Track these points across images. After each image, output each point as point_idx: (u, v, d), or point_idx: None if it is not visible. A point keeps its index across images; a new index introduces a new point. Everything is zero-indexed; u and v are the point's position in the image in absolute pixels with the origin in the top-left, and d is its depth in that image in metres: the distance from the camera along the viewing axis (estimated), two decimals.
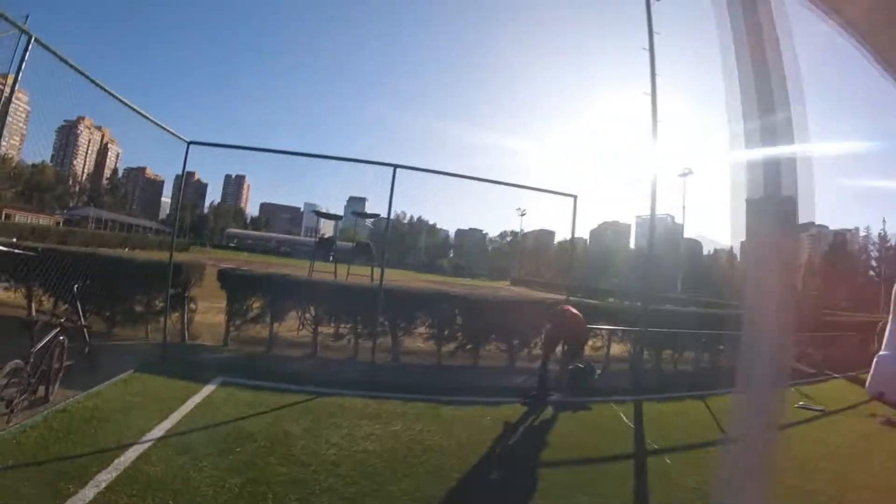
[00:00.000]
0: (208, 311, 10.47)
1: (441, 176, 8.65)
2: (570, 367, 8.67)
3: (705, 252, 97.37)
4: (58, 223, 63.46)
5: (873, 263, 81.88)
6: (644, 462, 5.92)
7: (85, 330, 6.64)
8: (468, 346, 10.33)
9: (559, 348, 8.58)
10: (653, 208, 10.84)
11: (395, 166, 8.16)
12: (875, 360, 11.98)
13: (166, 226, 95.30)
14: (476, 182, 9.11)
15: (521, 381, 9.10)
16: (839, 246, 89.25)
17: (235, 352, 8.93)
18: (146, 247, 47.26)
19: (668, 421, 7.75)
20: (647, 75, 10.76)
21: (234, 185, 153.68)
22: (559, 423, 7.14)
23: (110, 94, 6.03)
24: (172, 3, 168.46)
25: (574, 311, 8.76)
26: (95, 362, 6.58)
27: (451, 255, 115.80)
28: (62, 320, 5.72)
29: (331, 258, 14.65)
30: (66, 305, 7.59)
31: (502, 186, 9.46)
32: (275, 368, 8.08)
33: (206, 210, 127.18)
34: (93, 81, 5.59)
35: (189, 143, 7.87)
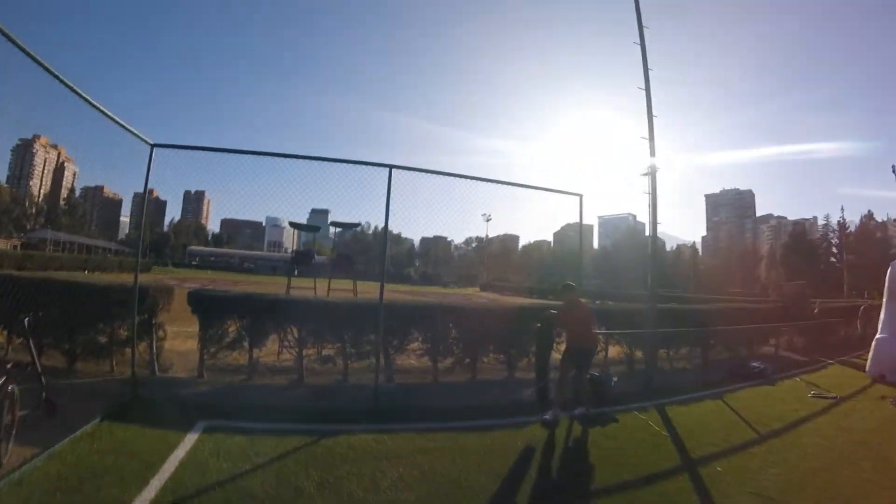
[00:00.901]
0: (177, 337, 9.54)
1: (433, 179, 7.81)
2: (587, 376, 8.16)
3: (668, 248, 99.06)
4: (14, 247, 60.89)
5: (834, 250, 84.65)
6: (697, 474, 5.43)
7: (40, 371, 5.53)
8: (466, 361, 9.61)
9: (565, 358, 7.67)
10: (653, 205, 10.24)
11: (391, 167, 7.33)
12: (874, 343, 12.76)
13: (126, 246, 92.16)
14: (475, 184, 8.27)
15: (529, 394, 8.53)
16: (799, 235, 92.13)
17: (213, 384, 7.91)
18: (106, 269, 45.27)
19: (697, 425, 7.37)
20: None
21: (193, 202, 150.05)
22: (594, 441, 6.53)
23: (63, 82, 4.99)
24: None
25: (584, 306, 8.17)
26: (55, 409, 5.46)
27: (417, 263, 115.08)
28: (8, 366, 4.66)
29: (308, 271, 13.70)
30: (21, 339, 6.69)
31: (504, 187, 8.70)
32: (262, 402, 7.10)
33: (166, 228, 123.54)
34: (40, 63, 4.56)
35: (153, 147, 6.86)
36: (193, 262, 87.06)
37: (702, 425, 7.31)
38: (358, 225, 12.32)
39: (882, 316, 13.23)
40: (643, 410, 7.95)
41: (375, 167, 7.44)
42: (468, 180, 8.16)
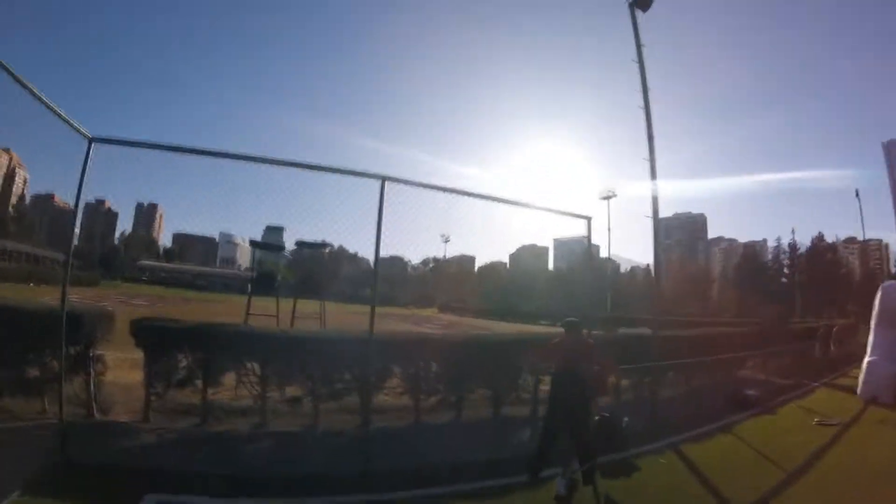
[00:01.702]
0: (121, 366, 8.11)
1: (427, 194, 6.80)
2: (596, 418, 6.93)
3: (623, 270, 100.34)
4: None
5: (785, 271, 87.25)
6: None
7: None
8: (452, 399, 8.58)
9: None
10: (655, 228, 9.50)
11: (384, 178, 6.27)
12: (865, 365, 12.87)
13: (76, 258, 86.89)
14: (471, 202, 7.28)
15: (527, 439, 7.56)
16: (751, 256, 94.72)
17: (161, 433, 6.52)
18: (53, 282, 42.17)
19: (722, 466, 6.84)
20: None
21: (146, 215, 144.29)
22: (624, 498, 5.64)
23: None
24: None
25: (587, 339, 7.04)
26: None
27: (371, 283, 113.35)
28: None
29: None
30: None
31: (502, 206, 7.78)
32: (221, 461, 5.81)
33: (116, 241, 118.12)
34: None
35: (91, 141, 5.59)
36: (144, 277, 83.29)
37: (727, 466, 6.84)
38: (327, 246, 11.03)
39: (871, 339, 13.34)
40: (659, 453, 7.33)
41: (364, 178, 6.35)
42: (466, 197, 7.19)
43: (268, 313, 10.97)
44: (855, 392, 12.94)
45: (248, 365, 7.27)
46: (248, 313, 10.49)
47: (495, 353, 9.12)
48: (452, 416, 8.49)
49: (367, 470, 5.80)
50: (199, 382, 7.10)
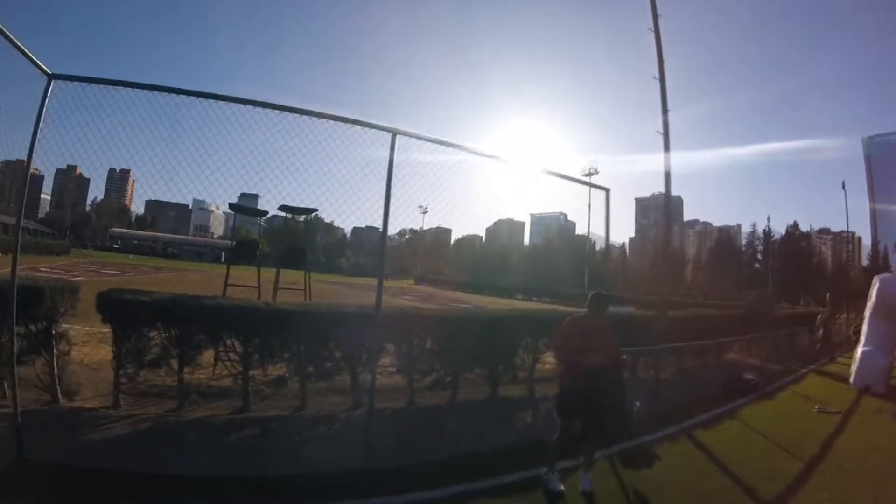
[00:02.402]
0: (89, 341, 7.45)
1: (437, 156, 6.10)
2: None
3: (598, 248, 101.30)
4: None
5: (759, 257, 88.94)
6: None
7: None
8: (447, 379, 7.99)
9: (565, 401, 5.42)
10: (667, 206, 8.97)
11: (394, 132, 5.54)
12: (859, 355, 12.99)
13: (45, 225, 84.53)
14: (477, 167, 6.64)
15: (530, 422, 7.43)
16: (725, 241, 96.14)
17: (132, 422, 5.75)
18: (22, 250, 40.24)
19: (737, 455, 6.62)
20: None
21: (118, 181, 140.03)
22: (652, 491, 5.26)
23: None
24: None
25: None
26: None
27: (348, 254, 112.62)
28: None
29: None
30: None
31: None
32: (201, 455, 5.11)
33: (88, 208, 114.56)
34: None
35: (52, 78, 4.75)
36: (115, 246, 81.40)
37: (743, 455, 6.64)
38: (314, 211, 10.13)
39: (865, 329, 13.65)
40: (672, 439, 7.16)
41: (375, 130, 5.57)
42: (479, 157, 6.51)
43: (248, 284, 10.23)
44: (845, 380, 13.12)
45: (229, 342, 6.54)
46: (226, 284, 9.68)
47: (515, 329, 8.74)
48: (448, 397, 7.95)
49: (369, 467, 5.17)
50: (174, 362, 6.35)
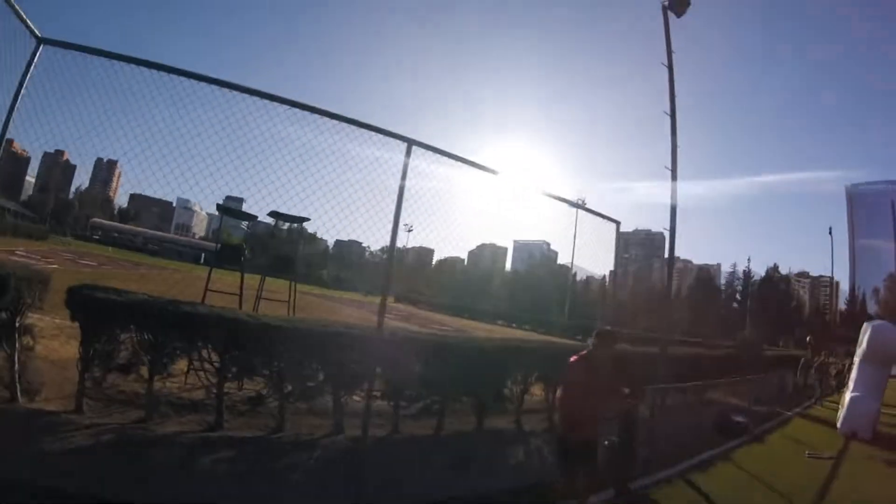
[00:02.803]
0: (59, 335, 6.98)
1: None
2: (605, 443, 5.81)
3: (578, 279, 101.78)
4: None
5: (738, 297, 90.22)
6: None
7: None
8: (435, 408, 7.54)
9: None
10: (671, 236, 8.69)
11: (411, 142, 5.18)
12: (848, 401, 13.07)
13: (27, 208, 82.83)
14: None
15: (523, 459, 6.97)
16: (705, 279, 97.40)
17: (95, 431, 5.16)
18: (1, 232, 39.10)
19: (741, 499, 6.73)
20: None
21: (104, 171, 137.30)
22: None
23: None
24: None
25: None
26: None
27: (330, 266, 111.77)
28: None
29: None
30: None
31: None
32: (168, 481, 4.61)
33: (71, 195, 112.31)
34: None
35: (41, 42, 4.32)
36: (95, 236, 79.23)
37: (745, 502, 6.66)
38: (306, 220, 9.57)
39: (854, 374, 13.68)
40: (671, 483, 6.87)
41: (389, 137, 5.23)
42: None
43: (230, 290, 9.71)
44: (830, 424, 13.23)
45: (205, 353, 6.01)
46: (206, 289, 9.12)
47: (515, 359, 8.46)
48: (434, 427, 7.46)
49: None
50: (144, 369, 5.81)
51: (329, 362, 6.36)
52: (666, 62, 9.31)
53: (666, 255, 9.48)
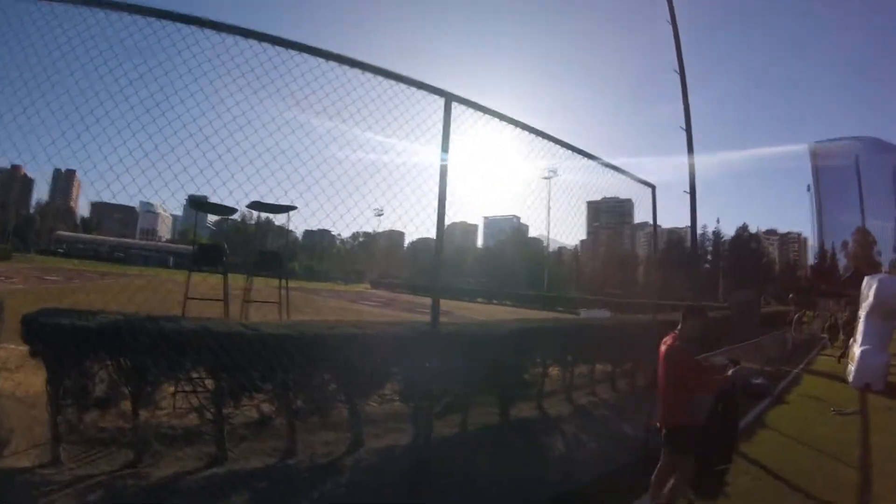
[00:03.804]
0: (23, 365, 6.00)
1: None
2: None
3: (551, 250, 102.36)
4: None
5: (709, 258, 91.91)
6: None
7: None
8: (457, 403, 6.74)
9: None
10: (692, 206, 8.07)
11: (450, 97, 4.32)
12: (858, 354, 13.28)
13: None
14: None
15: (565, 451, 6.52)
16: (675, 242, 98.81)
17: (80, 486, 4.18)
18: None
19: (792, 465, 6.48)
20: None
21: (63, 182, 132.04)
22: None
23: None
24: None
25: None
26: None
27: (301, 258, 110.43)
28: None
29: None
30: None
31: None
32: None
33: (32, 210, 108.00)
34: None
35: None
36: (60, 250, 76.94)
37: (797, 467, 6.41)
38: (293, 208, 8.46)
39: (861, 328, 13.81)
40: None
41: (424, 92, 4.29)
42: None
43: (212, 296, 8.75)
44: (838, 378, 13.70)
45: (196, 376, 5.14)
46: (186, 297, 8.14)
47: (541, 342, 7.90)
48: (459, 425, 6.74)
49: None
50: (126, 402, 4.90)
51: (343, 369, 5.53)
52: (669, 19, 8.72)
53: (688, 221, 8.91)
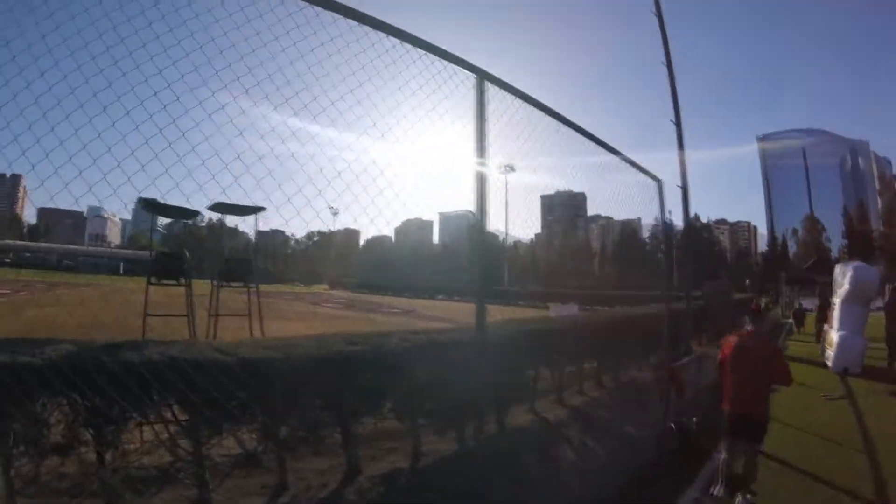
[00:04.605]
0: None
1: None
2: (671, 425, 6.69)
3: (508, 244, 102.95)
4: None
5: (662, 248, 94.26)
6: None
7: None
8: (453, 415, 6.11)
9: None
10: (685, 197, 7.93)
11: (484, 75, 3.78)
12: (837, 340, 13.53)
13: None
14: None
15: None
16: (630, 233, 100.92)
17: None
18: None
19: (801, 452, 6.65)
20: None
21: (8, 187, 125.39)
22: None
23: None
24: None
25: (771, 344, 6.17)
26: None
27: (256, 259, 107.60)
28: None
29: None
30: None
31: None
32: None
33: None
34: None
35: None
36: (7, 260, 72.92)
37: (806, 455, 6.56)
38: (261, 209, 7.65)
39: (837, 314, 14.15)
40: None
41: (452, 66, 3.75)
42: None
43: (173, 310, 7.98)
44: (817, 363, 14.23)
45: (165, 407, 4.39)
46: (146, 314, 7.32)
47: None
48: (454, 441, 6.15)
49: None
50: (83, 444, 4.10)
51: (336, 391, 4.94)
52: (654, 10, 8.44)
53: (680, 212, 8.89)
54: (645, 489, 5.53)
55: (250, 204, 6.88)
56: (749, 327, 5.51)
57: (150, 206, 7.76)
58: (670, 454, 6.43)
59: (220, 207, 7.87)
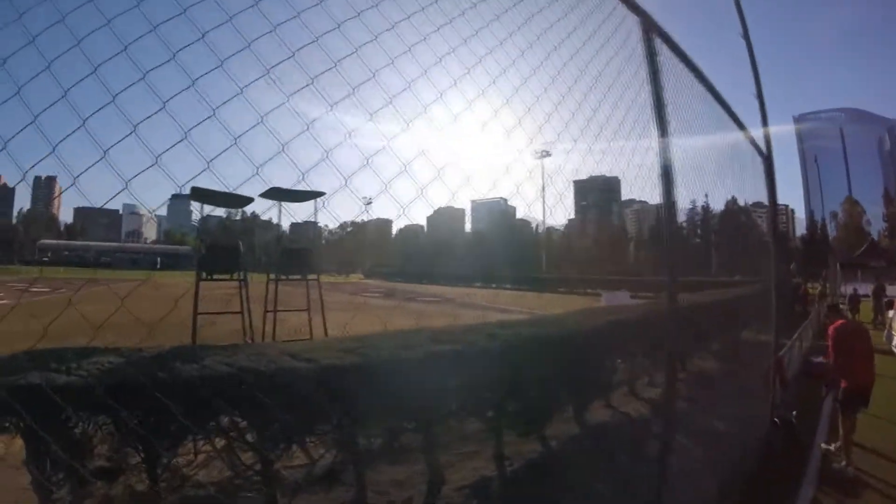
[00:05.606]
0: None
1: None
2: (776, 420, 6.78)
3: (539, 231, 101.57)
4: None
5: (699, 232, 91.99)
6: None
7: None
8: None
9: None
10: (771, 189, 7.38)
11: (652, 24, 2.94)
12: None
13: None
14: None
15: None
16: (728, 217, 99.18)
17: None
18: None
19: None
20: None
21: (44, 189, 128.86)
22: None
23: None
24: None
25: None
26: None
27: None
28: None
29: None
30: None
31: None
32: None
33: (14, 220, 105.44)
34: None
35: None
36: (45, 258, 75.60)
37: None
38: (321, 194, 6.89)
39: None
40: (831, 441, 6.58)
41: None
42: None
43: (226, 307, 7.33)
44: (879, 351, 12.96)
45: (227, 420, 3.66)
46: (196, 313, 6.68)
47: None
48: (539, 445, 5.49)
49: None
50: (139, 463, 3.46)
51: (425, 395, 4.23)
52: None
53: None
54: None
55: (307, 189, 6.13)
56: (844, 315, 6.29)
57: (200, 195, 7.07)
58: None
59: (275, 193, 7.08)
